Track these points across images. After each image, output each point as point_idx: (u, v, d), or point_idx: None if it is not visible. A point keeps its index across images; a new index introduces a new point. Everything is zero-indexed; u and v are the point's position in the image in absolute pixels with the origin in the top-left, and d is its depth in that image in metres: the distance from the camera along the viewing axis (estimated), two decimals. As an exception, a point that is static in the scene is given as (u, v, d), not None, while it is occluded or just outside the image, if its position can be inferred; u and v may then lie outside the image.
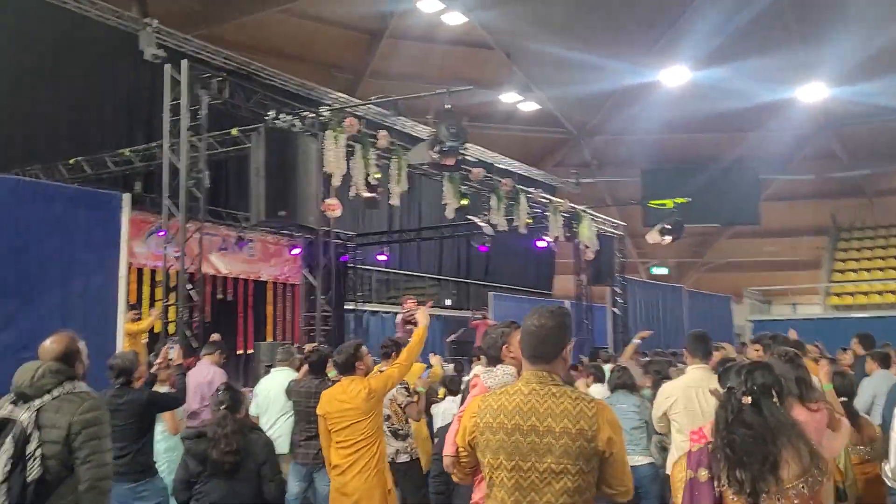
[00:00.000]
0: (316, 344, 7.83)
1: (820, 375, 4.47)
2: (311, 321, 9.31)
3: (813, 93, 25.10)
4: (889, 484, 4.11)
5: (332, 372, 5.80)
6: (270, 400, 6.58)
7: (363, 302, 17.42)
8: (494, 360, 3.84)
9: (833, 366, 5.71)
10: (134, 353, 5.55)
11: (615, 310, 17.18)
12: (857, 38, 21.52)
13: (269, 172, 7.64)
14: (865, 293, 24.20)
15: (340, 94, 16.65)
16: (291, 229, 10.92)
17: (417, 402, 5.41)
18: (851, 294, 24.45)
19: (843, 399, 4.82)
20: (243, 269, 13.37)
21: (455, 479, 2.97)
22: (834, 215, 28.79)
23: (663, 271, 31.65)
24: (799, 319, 22.91)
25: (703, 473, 2.65)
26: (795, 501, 2.50)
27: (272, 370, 7.18)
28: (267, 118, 8.37)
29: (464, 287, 22.14)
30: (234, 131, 9.14)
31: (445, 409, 6.39)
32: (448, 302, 21.69)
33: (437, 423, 6.49)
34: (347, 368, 4.82)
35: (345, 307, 16.68)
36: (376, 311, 17.78)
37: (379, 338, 17.53)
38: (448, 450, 3.26)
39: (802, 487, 2.50)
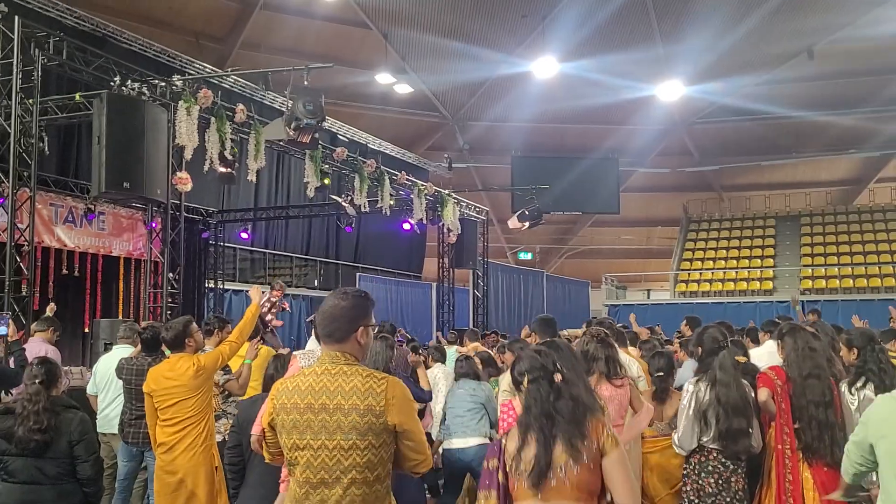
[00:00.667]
0: (150, 322, 7.59)
1: (633, 355, 4.81)
2: (157, 298, 8.97)
3: (670, 91, 26.55)
4: (677, 451, 4.51)
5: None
6: (109, 378, 6.35)
7: (227, 280, 16.98)
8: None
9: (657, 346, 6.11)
10: None
11: (476, 292, 17.57)
12: (708, 39, 22.89)
13: (112, 142, 7.25)
14: (710, 281, 25.83)
15: (206, 65, 16.15)
16: (144, 202, 10.46)
17: (239, 377, 5.33)
18: (697, 282, 26.02)
19: (659, 373, 5.20)
20: (92, 244, 12.70)
21: (266, 458, 2.97)
22: (686, 207, 30.50)
23: (529, 257, 32.65)
24: (651, 304, 24.32)
25: (493, 463, 2.81)
26: (557, 482, 2.66)
27: (113, 348, 6.94)
28: (113, 84, 7.97)
29: (332, 268, 21.97)
30: (77, 96, 8.66)
31: None
32: (315, 282, 21.48)
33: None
34: (177, 345, 4.73)
35: (206, 285, 16.23)
36: (239, 290, 17.37)
37: (240, 317, 17.24)
38: (255, 429, 3.28)
39: (568, 464, 2.66)
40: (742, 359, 5.35)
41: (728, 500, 4.34)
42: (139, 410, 5.45)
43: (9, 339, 6.61)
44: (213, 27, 21.57)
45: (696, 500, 4.42)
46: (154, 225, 12.23)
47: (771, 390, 4.42)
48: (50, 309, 7.72)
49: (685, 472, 4.54)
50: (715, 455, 4.40)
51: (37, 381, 3.78)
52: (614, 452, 2.71)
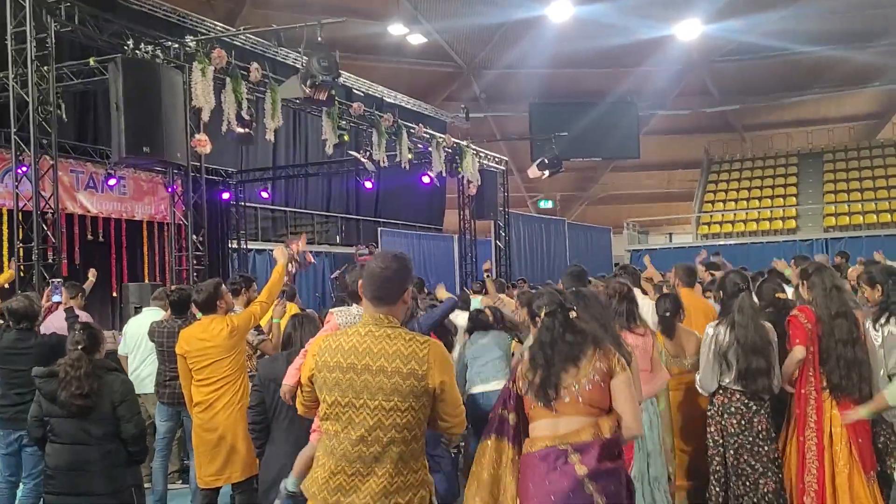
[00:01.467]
0: (179, 285, 7.66)
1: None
2: (183, 261, 9.07)
3: (688, 30, 25.98)
4: (700, 391, 4.57)
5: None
6: (139, 339, 6.46)
7: (249, 240, 17.11)
8: (355, 297, 3.96)
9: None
10: (29, 295, 5.36)
11: (499, 243, 17.57)
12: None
13: (130, 107, 7.26)
14: (732, 222, 25.62)
15: (217, 23, 16.00)
16: (164, 166, 10.49)
17: (272, 337, 5.42)
18: (720, 223, 25.82)
19: (666, 313, 5.22)
20: (115, 209, 12.83)
21: (300, 409, 3.06)
22: (706, 149, 30.12)
23: (550, 205, 32.51)
24: (673, 248, 24.20)
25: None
26: (571, 398, 2.93)
27: (143, 310, 7.04)
28: (126, 48, 7.94)
29: (353, 223, 22.01)
30: (91, 61, 8.65)
31: None
32: (337, 238, 21.58)
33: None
34: (208, 307, 4.81)
35: (229, 246, 16.37)
36: (262, 250, 17.50)
37: (265, 276, 17.38)
38: (290, 381, 3.35)
39: (581, 383, 2.95)
40: (782, 294, 5.33)
41: (751, 439, 4.41)
42: (172, 371, 5.57)
43: (61, 306, 6.76)
44: (223, -15, 21.33)
45: (721, 440, 4.50)
46: (175, 188, 12.32)
47: (802, 339, 4.41)
48: (92, 274, 7.86)
49: (709, 413, 4.61)
50: (738, 396, 4.45)
51: (79, 346, 3.86)
52: (622, 374, 2.97)
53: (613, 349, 3.01)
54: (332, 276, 17.04)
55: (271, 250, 16.99)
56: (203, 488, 4.83)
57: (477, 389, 5.58)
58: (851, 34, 25.64)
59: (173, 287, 7.05)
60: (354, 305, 3.97)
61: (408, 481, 2.69)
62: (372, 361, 2.66)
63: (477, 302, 9.74)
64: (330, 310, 4.34)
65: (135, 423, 3.92)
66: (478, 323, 6.02)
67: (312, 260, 14.20)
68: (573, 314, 3.03)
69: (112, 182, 12.45)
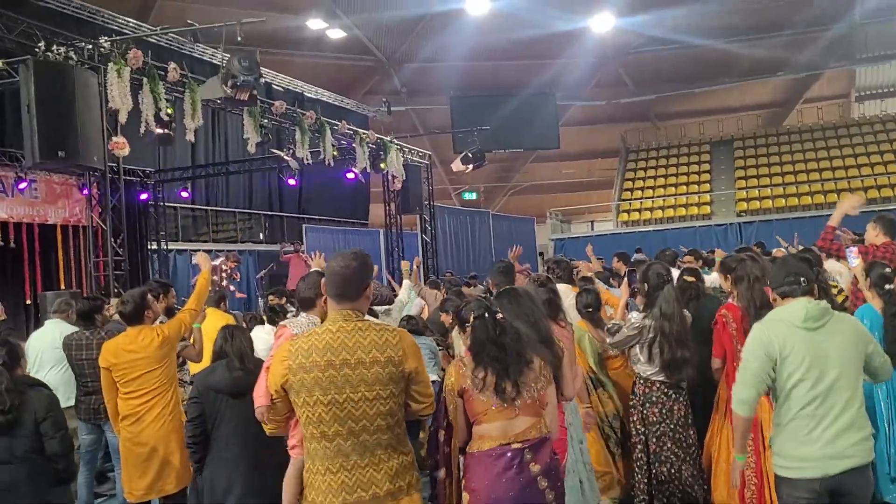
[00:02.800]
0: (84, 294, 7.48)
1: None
2: (101, 267, 8.83)
3: (602, 23, 26.64)
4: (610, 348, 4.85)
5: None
6: (40, 352, 6.26)
7: (169, 241, 16.73)
8: (307, 303, 3.97)
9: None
10: None
11: (425, 236, 17.68)
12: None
13: (43, 110, 7.03)
14: (650, 209, 26.41)
15: (129, 20, 15.54)
16: (81, 170, 10.14)
17: (194, 342, 5.34)
18: (639, 210, 26.58)
19: (588, 309, 5.42)
20: (26, 213, 12.35)
21: (268, 430, 3.09)
22: (623, 138, 30.90)
23: (473, 196, 32.81)
24: (595, 235, 24.78)
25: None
26: (529, 399, 3.10)
27: (46, 322, 6.76)
28: (38, 50, 7.68)
29: (277, 221, 21.77)
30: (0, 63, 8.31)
31: None
32: (261, 236, 21.30)
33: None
34: (136, 318, 4.71)
35: (148, 248, 15.97)
36: (183, 250, 17.13)
37: (187, 277, 17.03)
38: (260, 401, 3.36)
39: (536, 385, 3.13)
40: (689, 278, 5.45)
41: (672, 427, 4.60)
42: (86, 387, 5.51)
43: None
44: (134, -22, 20.64)
45: (643, 429, 4.68)
46: (90, 190, 11.96)
47: (723, 348, 4.58)
48: None
49: (631, 404, 4.78)
50: (658, 386, 4.63)
51: (-2, 362, 3.75)
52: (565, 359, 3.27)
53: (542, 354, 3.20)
54: (257, 276, 16.83)
55: (192, 251, 16.69)
56: (132, 503, 4.71)
57: None
58: (755, 27, 26.80)
59: (85, 296, 6.80)
60: (303, 315, 3.97)
61: (402, 463, 2.82)
62: (349, 355, 2.73)
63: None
64: (281, 323, 4.31)
65: (60, 440, 3.77)
66: (410, 327, 6.17)
67: (238, 277, 14.07)
68: (500, 316, 3.17)
69: (22, 185, 11.99)
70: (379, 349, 2.75)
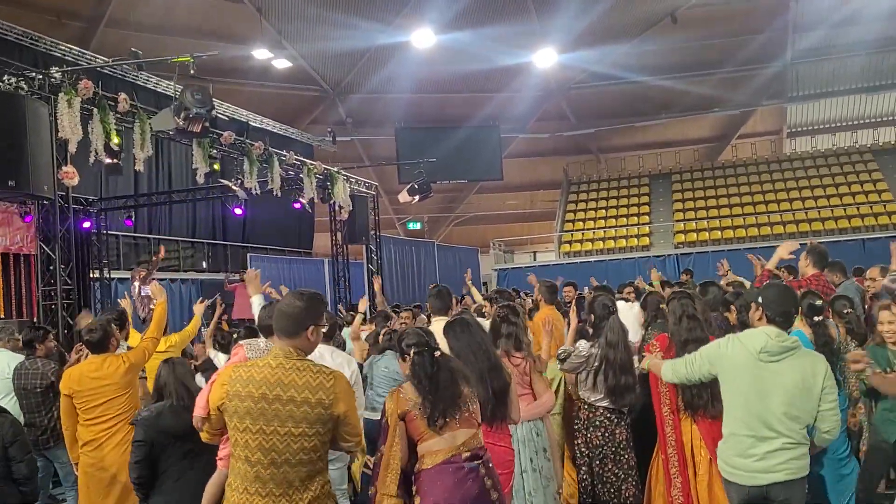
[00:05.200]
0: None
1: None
2: (50, 295, 8.75)
3: (545, 58, 27.41)
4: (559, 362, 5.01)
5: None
6: None
7: (112, 269, 16.48)
8: (266, 331, 4.13)
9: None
10: None
11: (371, 266, 17.81)
12: (576, 9, 23.80)
13: (-6, 140, 7.08)
14: (591, 240, 27.02)
15: (72, 46, 15.44)
16: (31, 199, 10.03)
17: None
18: (580, 241, 27.16)
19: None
20: (-34, 241, 12.11)
21: (204, 437, 3.26)
22: (566, 170, 31.61)
23: (417, 226, 33.07)
24: (538, 266, 25.24)
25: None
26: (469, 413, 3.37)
27: None
28: (-12, 80, 7.67)
29: (220, 249, 21.63)
30: (-53, 93, 8.23)
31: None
32: (204, 265, 21.11)
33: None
34: (102, 347, 4.81)
35: (90, 276, 15.71)
36: (125, 278, 16.89)
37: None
38: (199, 411, 3.51)
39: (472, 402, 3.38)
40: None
41: (614, 449, 4.86)
42: (31, 417, 5.64)
43: None
44: (76, 4, 20.47)
45: (587, 451, 4.93)
46: (31, 218, 11.79)
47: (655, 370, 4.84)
48: None
49: (576, 427, 5.02)
50: (602, 411, 4.90)
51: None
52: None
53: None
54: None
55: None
56: None
57: (368, 415, 5.86)
58: (692, 65, 27.91)
59: (29, 325, 6.82)
60: (262, 339, 4.15)
61: (317, 494, 2.96)
62: (283, 392, 2.89)
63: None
64: (239, 341, 4.44)
65: (26, 463, 3.91)
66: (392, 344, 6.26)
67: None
68: (437, 353, 3.43)
69: (-38, 213, 11.75)
70: (311, 391, 2.91)
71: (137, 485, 4.21)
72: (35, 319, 8.88)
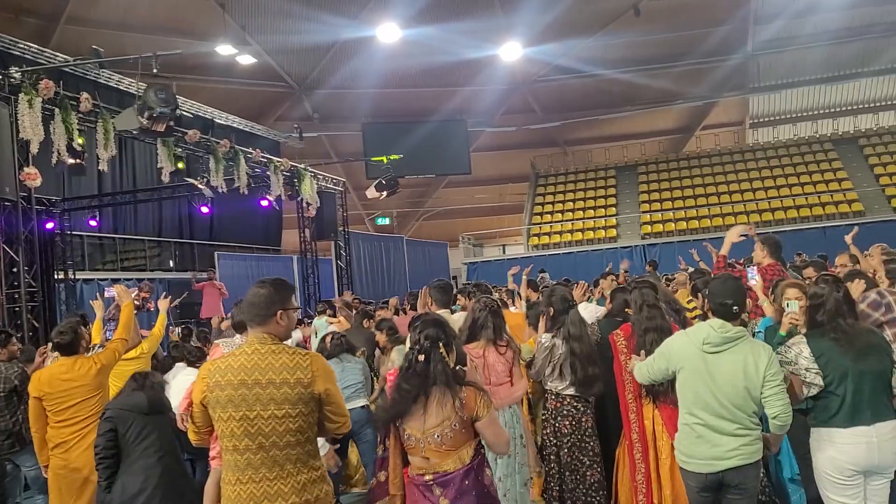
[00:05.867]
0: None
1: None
2: (15, 297, 8.65)
3: (511, 52, 27.54)
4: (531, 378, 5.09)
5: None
6: None
7: (76, 270, 16.28)
8: (240, 327, 4.21)
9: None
10: None
11: (339, 262, 17.79)
12: (541, 3, 23.96)
13: (-47, 141, 6.99)
14: (560, 232, 27.23)
15: (31, 44, 15.19)
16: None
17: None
18: (549, 234, 27.35)
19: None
20: (-75, 244, 11.88)
21: (192, 437, 3.28)
22: (533, 163, 31.80)
23: (386, 222, 33.05)
24: (507, 259, 25.38)
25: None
26: (434, 445, 3.15)
27: None
28: (-54, 81, 7.55)
29: (188, 248, 21.43)
30: None
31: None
32: (171, 264, 20.92)
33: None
34: (73, 349, 4.83)
35: (54, 277, 15.51)
36: (90, 279, 16.69)
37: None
38: (181, 409, 3.53)
39: (443, 432, 3.14)
40: None
41: (580, 437, 4.98)
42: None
43: None
44: (34, 1, 20.12)
45: (555, 440, 5.03)
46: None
47: (616, 360, 4.97)
48: None
49: (544, 417, 5.13)
50: (569, 400, 5.00)
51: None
52: (486, 417, 3.21)
53: (475, 390, 3.23)
54: (172, 305, 16.53)
55: (100, 280, 16.31)
56: None
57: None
58: (658, 56, 28.21)
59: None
60: (238, 336, 4.21)
61: (312, 478, 3.02)
62: (261, 376, 2.95)
63: (322, 322, 10.05)
64: (216, 341, 4.51)
65: None
66: (342, 347, 6.35)
67: (152, 307, 13.86)
68: (421, 357, 3.24)
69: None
70: (289, 371, 2.97)
71: (102, 461, 4.21)
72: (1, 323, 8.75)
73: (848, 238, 8.17)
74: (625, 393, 4.90)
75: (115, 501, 4.19)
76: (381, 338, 6.82)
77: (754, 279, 5.50)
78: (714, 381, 3.77)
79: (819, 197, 24.90)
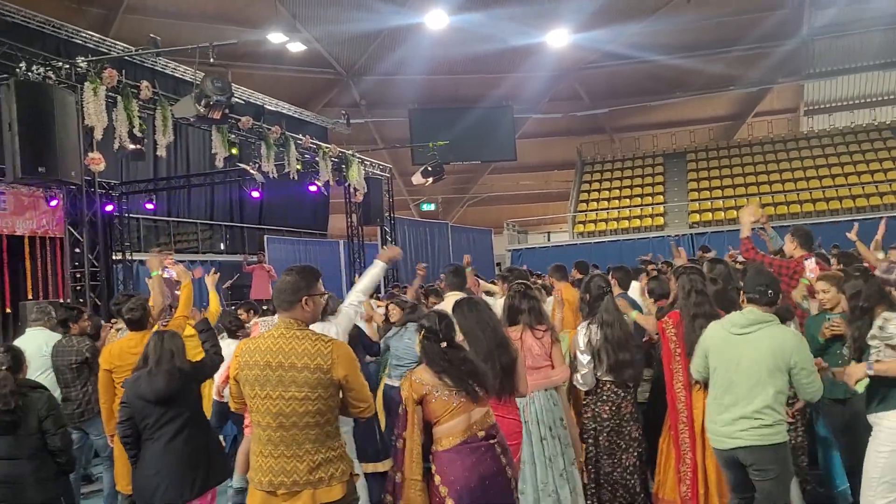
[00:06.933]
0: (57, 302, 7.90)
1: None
2: (77, 276, 9.08)
3: (558, 38, 27.38)
4: (579, 388, 5.18)
5: None
6: (27, 358, 6.56)
7: (133, 251, 16.83)
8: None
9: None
10: None
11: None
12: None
13: (24, 128, 7.31)
14: (605, 220, 27.10)
15: (92, 33, 15.70)
16: (59, 186, 10.38)
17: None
18: (594, 222, 27.24)
19: None
20: (-5, 225, 12.47)
21: (232, 406, 3.58)
22: (579, 150, 31.63)
23: (431, 208, 33.25)
24: (551, 247, 25.38)
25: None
26: None
27: (27, 330, 7.03)
28: (19, 70, 7.93)
29: (238, 231, 21.95)
30: (-22, 83, 8.52)
31: None
32: (222, 247, 21.46)
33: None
34: (142, 324, 5.13)
35: (112, 258, 16.06)
36: (146, 260, 17.22)
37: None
38: (219, 380, 3.80)
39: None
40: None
41: (618, 422, 5.05)
42: (66, 391, 5.99)
43: None
44: (95, -10, 20.74)
45: (595, 425, 5.10)
46: (58, 201, 12.10)
47: (664, 347, 4.98)
48: None
49: (584, 402, 5.21)
50: (608, 386, 5.07)
51: (3, 367, 4.09)
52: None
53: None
54: (223, 287, 17.02)
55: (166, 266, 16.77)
56: (130, 494, 5.06)
57: (390, 382, 6.17)
58: (707, 43, 27.79)
59: (63, 305, 7.14)
60: (276, 316, 4.43)
61: (328, 457, 3.21)
62: (284, 359, 3.17)
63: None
64: (255, 319, 4.77)
65: (61, 436, 4.14)
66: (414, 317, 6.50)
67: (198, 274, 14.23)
68: (444, 344, 3.59)
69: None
70: (310, 356, 3.17)
71: (126, 443, 4.42)
72: (67, 300, 9.19)
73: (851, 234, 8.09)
74: (673, 382, 4.89)
75: (138, 482, 4.39)
76: (395, 312, 6.92)
77: (812, 273, 5.53)
78: (737, 362, 3.92)
79: (877, 187, 24.28)
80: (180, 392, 4.33)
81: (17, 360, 4.20)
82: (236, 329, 6.95)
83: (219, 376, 3.87)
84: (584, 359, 5.04)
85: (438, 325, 3.60)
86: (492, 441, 3.54)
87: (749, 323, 3.93)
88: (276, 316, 4.40)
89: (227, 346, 6.87)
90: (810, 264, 5.68)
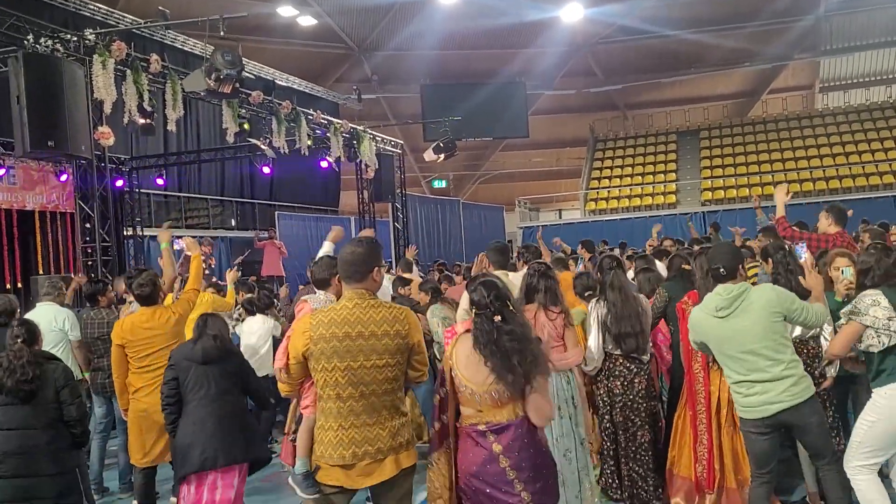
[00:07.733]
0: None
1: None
2: (89, 251, 9.07)
3: (572, 13, 27.02)
4: (588, 362, 5.15)
5: None
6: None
7: (143, 227, 16.83)
8: (322, 283, 4.40)
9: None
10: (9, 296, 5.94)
11: (397, 224, 17.97)
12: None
13: (33, 101, 7.22)
14: (617, 198, 26.92)
15: (100, 5, 15.57)
16: (68, 159, 10.35)
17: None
18: (606, 199, 27.05)
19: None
20: (4, 199, 12.44)
21: (282, 389, 3.56)
22: (592, 127, 31.36)
23: (443, 184, 33.13)
24: (563, 224, 25.26)
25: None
26: (490, 401, 3.16)
27: (38, 305, 7.03)
28: (27, 42, 7.84)
29: (249, 207, 21.92)
30: (-15, 55, 8.45)
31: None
32: (233, 222, 21.44)
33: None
34: (152, 300, 5.13)
35: (123, 233, 16.07)
36: (157, 235, 17.23)
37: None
38: (278, 364, 3.70)
39: (500, 389, 3.15)
40: (688, 266, 5.74)
41: (632, 398, 5.05)
42: (98, 361, 6.21)
43: None
44: (102, -37, 20.50)
45: (608, 400, 5.12)
46: (68, 176, 12.06)
47: (682, 327, 5.00)
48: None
49: (597, 378, 5.21)
50: (620, 361, 5.08)
51: (19, 339, 4.11)
52: (537, 381, 3.15)
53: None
54: (234, 262, 17.01)
55: (175, 237, 16.80)
56: (144, 467, 5.12)
57: None
58: (722, 18, 27.38)
59: (89, 280, 7.28)
60: (320, 292, 4.42)
61: (402, 423, 3.32)
62: (364, 328, 3.21)
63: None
64: (302, 297, 4.78)
65: (77, 407, 4.17)
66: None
67: (213, 263, 14.28)
68: (497, 318, 3.19)
69: (1, 172, 12.08)
70: (389, 324, 3.24)
71: (167, 405, 4.49)
72: (79, 274, 9.20)
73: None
74: (691, 362, 4.94)
75: (175, 447, 4.47)
76: (423, 298, 6.97)
77: (802, 256, 5.50)
78: (739, 341, 3.96)
79: (891, 164, 23.99)
80: (223, 358, 4.47)
81: (32, 333, 4.24)
82: (266, 307, 7.28)
83: (276, 362, 3.80)
84: (592, 331, 5.14)
85: (488, 297, 3.25)
86: (490, 437, 3.21)
87: (727, 303, 4.00)
88: (321, 293, 4.40)
89: (257, 322, 7.31)
90: (801, 248, 5.71)
